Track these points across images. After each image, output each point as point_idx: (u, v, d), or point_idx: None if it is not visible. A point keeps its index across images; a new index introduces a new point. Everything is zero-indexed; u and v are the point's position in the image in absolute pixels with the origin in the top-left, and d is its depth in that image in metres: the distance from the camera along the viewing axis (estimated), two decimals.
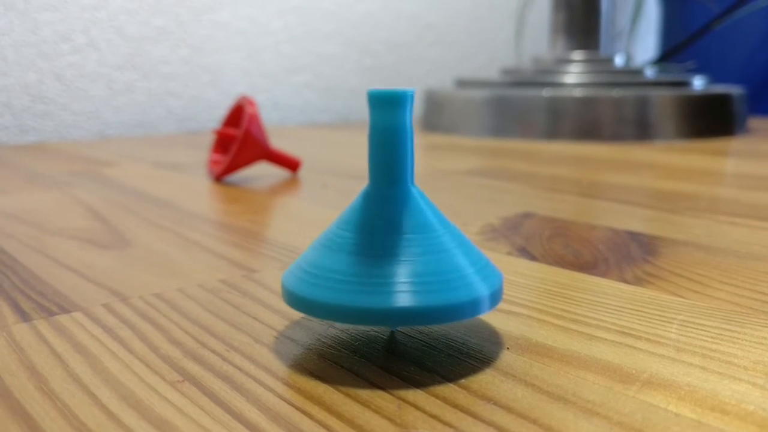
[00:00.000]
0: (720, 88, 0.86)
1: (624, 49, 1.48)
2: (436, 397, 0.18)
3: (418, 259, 0.19)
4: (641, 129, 0.78)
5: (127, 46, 0.91)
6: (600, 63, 0.89)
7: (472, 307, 0.19)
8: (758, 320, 0.23)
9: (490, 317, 0.24)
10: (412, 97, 0.20)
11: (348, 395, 0.18)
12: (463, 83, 0.94)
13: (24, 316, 0.24)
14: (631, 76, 0.85)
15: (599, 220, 0.38)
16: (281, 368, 0.20)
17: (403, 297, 0.19)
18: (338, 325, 0.23)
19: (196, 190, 0.50)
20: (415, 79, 1.22)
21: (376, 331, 0.22)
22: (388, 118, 0.20)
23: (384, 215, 0.20)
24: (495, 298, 0.20)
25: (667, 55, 1.16)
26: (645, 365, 0.20)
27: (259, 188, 0.50)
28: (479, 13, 1.29)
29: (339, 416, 0.17)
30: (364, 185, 0.23)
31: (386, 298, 0.18)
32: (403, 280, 0.19)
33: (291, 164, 0.56)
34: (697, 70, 1.24)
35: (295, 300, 0.20)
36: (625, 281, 0.27)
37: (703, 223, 0.37)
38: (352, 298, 0.19)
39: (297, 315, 0.24)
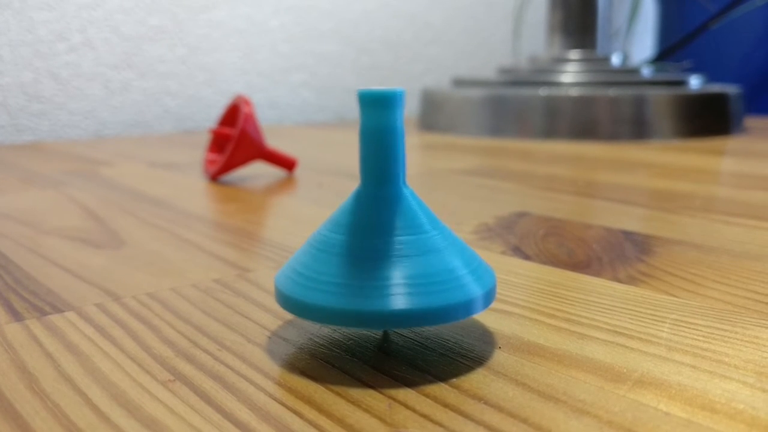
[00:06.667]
0: (716, 88, 0.86)
1: (621, 48, 1.49)
2: (427, 396, 0.18)
3: (410, 261, 0.19)
4: (638, 128, 0.78)
5: (123, 46, 0.90)
6: (597, 62, 0.89)
7: (465, 308, 0.19)
8: (750, 319, 0.23)
9: (482, 316, 0.24)
10: (402, 96, 0.20)
11: (339, 394, 0.18)
12: (460, 82, 0.93)
13: (16, 316, 0.24)
14: (627, 76, 0.85)
15: (594, 220, 0.38)
16: (273, 368, 0.20)
17: (396, 299, 0.18)
18: (330, 325, 0.23)
19: (191, 189, 0.50)
20: (412, 78, 1.22)
21: (368, 331, 0.22)
22: (378, 118, 0.20)
23: (375, 216, 0.20)
24: (488, 298, 0.20)
25: (663, 55, 1.16)
26: (636, 364, 0.20)
27: (254, 188, 0.50)
28: (477, 12, 1.29)
29: (329, 415, 0.17)
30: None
31: (378, 301, 0.18)
32: (395, 282, 0.19)
33: (287, 164, 0.56)
34: (694, 70, 1.24)
35: (287, 302, 0.20)
36: (619, 280, 0.27)
37: (698, 222, 0.37)
38: (344, 300, 0.19)
39: (290, 314, 0.24)
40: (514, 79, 0.87)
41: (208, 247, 0.34)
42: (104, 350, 0.21)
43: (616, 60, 0.91)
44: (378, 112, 0.20)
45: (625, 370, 0.19)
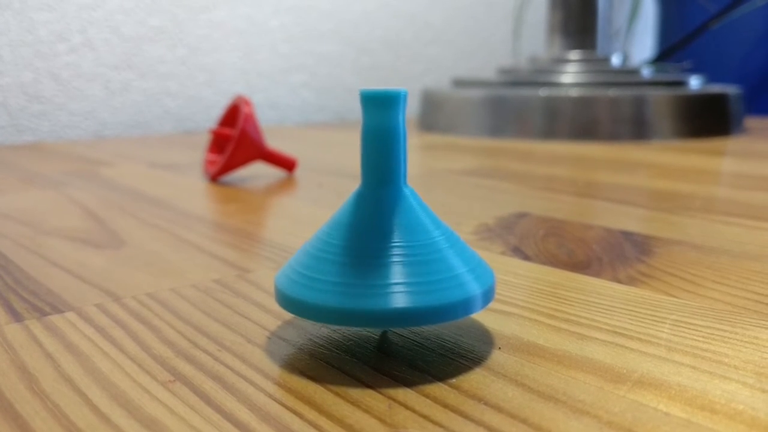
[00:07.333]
0: (716, 88, 0.86)
1: (621, 48, 1.49)
2: (427, 396, 0.18)
3: (410, 260, 0.19)
4: (638, 129, 0.78)
5: (123, 46, 0.90)
6: (597, 63, 0.89)
7: (465, 306, 0.19)
8: (750, 320, 0.23)
9: (482, 317, 0.24)
10: (405, 97, 0.20)
11: (339, 395, 0.18)
12: (460, 83, 0.94)
13: (16, 317, 0.24)
14: (627, 76, 0.85)
15: (594, 220, 0.38)
16: (273, 368, 0.20)
17: (396, 298, 0.19)
18: (330, 324, 0.23)
19: (191, 190, 0.50)
20: (412, 78, 1.22)
21: (368, 331, 0.22)
22: (380, 119, 0.20)
23: (376, 216, 0.20)
24: (487, 296, 0.20)
25: (663, 55, 1.16)
26: (636, 365, 0.20)
27: (254, 188, 0.50)
28: (477, 12, 1.29)
29: (329, 416, 0.17)
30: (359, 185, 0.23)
31: (378, 300, 0.18)
32: (395, 281, 0.19)
33: (287, 164, 0.56)
34: (694, 70, 1.24)
35: (287, 302, 0.20)
36: (619, 281, 0.27)
37: (697, 222, 0.37)
38: (344, 300, 0.19)
39: (289, 315, 0.24)
40: (514, 79, 0.87)
41: (208, 247, 0.34)
42: (104, 351, 0.21)
43: (616, 60, 0.91)
44: (380, 113, 0.20)
45: (625, 371, 0.19)
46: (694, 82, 0.88)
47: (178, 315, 0.24)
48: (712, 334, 0.22)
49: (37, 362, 0.20)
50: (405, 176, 0.21)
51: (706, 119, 0.81)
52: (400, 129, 0.20)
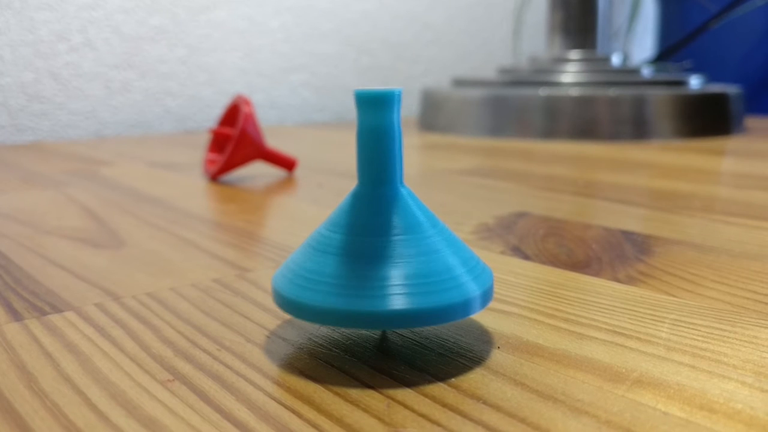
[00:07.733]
0: (717, 88, 0.86)
1: (621, 48, 1.49)
2: (426, 396, 0.18)
3: (408, 261, 0.19)
4: (638, 128, 0.78)
5: (124, 46, 0.90)
6: (597, 62, 0.89)
7: (464, 307, 0.19)
8: (749, 319, 0.23)
9: (481, 316, 0.24)
10: (399, 96, 0.20)
11: (338, 394, 0.18)
12: (460, 82, 0.93)
13: (16, 316, 0.24)
14: (628, 76, 0.85)
15: (594, 220, 0.38)
16: (272, 367, 0.20)
17: (394, 299, 0.18)
18: (328, 325, 0.23)
19: (191, 189, 0.50)
20: (412, 78, 1.22)
21: (368, 331, 0.22)
22: (375, 118, 0.20)
23: (373, 216, 0.20)
24: (486, 297, 0.20)
25: (664, 55, 1.16)
26: (635, 364, 0.20)
27: (254, 188, 0.50)
28: (477, 12, 1.29)
29: (328, 415, 0.17)
30: None
31: (376, 301, 0.18)
32: (393, 282, 0.19)
33: (287, 164, 0.56)
34: (694, 70, 1.24)
35: (285, 303, 0.20)
36: (618, 280, 0.27)
37: (697, 222, 0.37)
38: (341, 301, 0.19)
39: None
40: (514, 79, 0.87)
41: (207, 247, 0.34)
42: (104, 350, 0.21)
43: (616, 60, 0.91)
44: (375, 112, 0.20)
45: (623, 370, 0.19)
46: (694, 82, 0.88)
47: (177, 314, 0.24)
48: (712, 333, 0.22)
49: (36, 362, 0.20)
50: (401, 175, 0.21)
51: (707, 119, 0.81)
52: (395, 128, 0.20)
